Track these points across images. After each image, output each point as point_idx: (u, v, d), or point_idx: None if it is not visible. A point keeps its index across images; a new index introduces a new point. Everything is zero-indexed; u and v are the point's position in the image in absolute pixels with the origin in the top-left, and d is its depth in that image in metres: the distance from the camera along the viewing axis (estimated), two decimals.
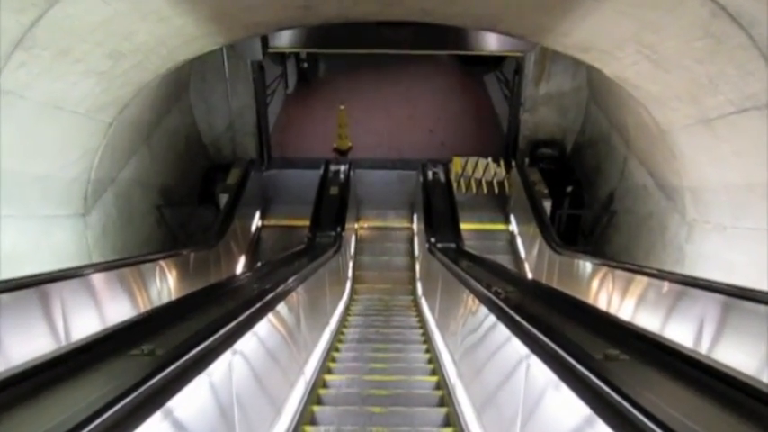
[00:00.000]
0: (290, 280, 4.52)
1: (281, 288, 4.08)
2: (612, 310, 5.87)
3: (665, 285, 5.23)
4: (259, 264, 7.59)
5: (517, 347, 2.76)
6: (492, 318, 3.48)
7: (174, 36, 6.43)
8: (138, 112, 8.48)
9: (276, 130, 13.79)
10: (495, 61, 15.61)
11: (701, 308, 4.55)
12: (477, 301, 3.99)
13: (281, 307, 4.02)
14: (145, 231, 9.15)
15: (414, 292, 9.06)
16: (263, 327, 3.34)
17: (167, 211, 9.63)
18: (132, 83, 6.86)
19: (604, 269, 6.39)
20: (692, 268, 7.40)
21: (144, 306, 5.70)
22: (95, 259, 7.62)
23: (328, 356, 5.28)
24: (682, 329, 4.73)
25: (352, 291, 9.12)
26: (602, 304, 6.14)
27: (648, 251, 8.49)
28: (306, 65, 15.95)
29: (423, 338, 6.23)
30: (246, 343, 2.87)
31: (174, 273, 6.87)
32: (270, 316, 3.53)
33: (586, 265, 6.96)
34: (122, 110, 7.29)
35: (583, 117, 11.50)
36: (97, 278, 5.32)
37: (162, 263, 6.65)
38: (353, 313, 7.88)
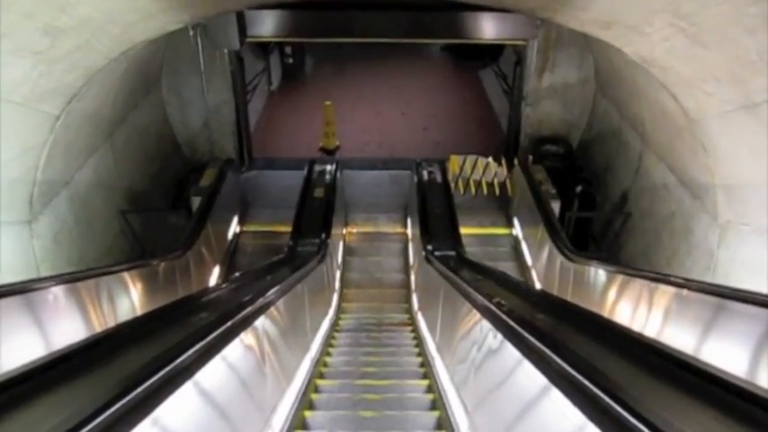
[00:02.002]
0: (257, 303, 3.59)
1: (241, 315, 3.16)
2: (648, 333, 4.95)
3: (720, 303, 4.33)
4: (224, 281, 6.62)
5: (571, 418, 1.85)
6: (531, 369, 2.49)
7: (125, 11, 5.47)
8: (96, 105, 7.51)
9: (258, 130, 12.85)
10: (491, 55, 14.81)
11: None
12: (500, 337, 3.08)
13: (241, 342, 3.08)
14: (107, 240, 8.16)
15: (409, 305, 8.10)
16: (208, 377, 2.41)
17: (133, 217, 8.63)
18: (80, 67, 5.89)
19: (632, 280, 5.45)
20: (725, 277, 6.51)
21: (81, 331, 4.71)
22: (44, 273, 6.64)
23: (305, 398, 4.31)
24: (747, 356, 3.83)
25: (340, 305, 8.15)
26: (629, 323, 5.21)
27: (671, 257, 7.58)
28: (291, 60, 15.01)
29: (422, 369, 5.24)
30: (176, 407, 1.94)
31: (129, 289, 5.88)
32: (218, 359, 2.59)
33: (608, 276, 6.02)
34: (71, 100, 6.32)
35: (590, 111, 10.61)
36: (41, 296, 4.42)
37: (114, 277, 5.67)
38: (340, 333, 6.91)
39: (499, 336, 3.21)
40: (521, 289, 4.31)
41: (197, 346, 2.38)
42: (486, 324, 3.61)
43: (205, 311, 3.24)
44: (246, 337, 3.28)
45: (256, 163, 11.59)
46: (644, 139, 8.45)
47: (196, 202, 8.56)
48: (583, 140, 10.79)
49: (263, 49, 14.33)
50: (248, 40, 9.81)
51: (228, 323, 2.92)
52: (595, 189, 9.56)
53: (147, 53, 9.02)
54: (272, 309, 4.07)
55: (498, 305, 3.50)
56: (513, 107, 11.01)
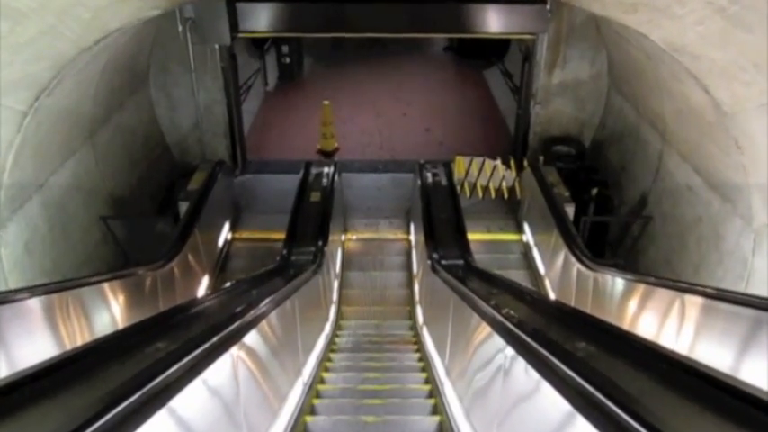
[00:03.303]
0: (238, 323, 3.02)
1: (216, 339, 2.61)
2: (686, 351, 4.34)
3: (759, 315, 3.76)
4: (210, 293, 6.01)
5: None
6: (559, 400, 2.05)
7: None
8: (73, 101, 6.95)
9: (253, 132, 12.28)
10: (496, 53, 14.25)
11: None
12: (523, 362, 2.60)
13: (214, 371, 2.51)
14: (86, 249, 7.56)
15: (413, 318, 7.48)
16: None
17: (116, 223, 8.03)
18: (46, 57, 5.31)
19: (664, 292, 4.84)
20: (761, 286, 5.91)
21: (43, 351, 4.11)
22: (13, 284, 6.06)
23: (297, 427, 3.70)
24: None
25: (338, 319, 7.52)
26: (665, 340, 4.60)
27: (698, 265, 6.98)
28: (288, 59, 14.43)
29: (429, 393, 4.63)
30: None
31: (104, 303, 5.30)
32: (184, 394, 2.04)
33: (636, 286, 5.40)
34: (40, 95, 5.74)
35: (603, 109, 10.02)
36: (6, 310, 3.91)
37: (88, 290, 5.08)
38: (338, 351, 6.29)
39: (522, 361, 2.69)
40: (545, 305, 3.70)
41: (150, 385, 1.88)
42: (506, 347, 3.06)
43: (171, 335, 2.63)
44: (222, 365, 2.71)
45: (250, 166, 10.99)
46: (665, 138, 7.86)
47: (184, 207, 7.97)
48: (596, 140, 10.20)
49: (259, 48, 13.77)
50: (240, 34, 9.24)
51: (199, 349, 2.38)
52: (611, 192, 8.94)
53: (132, 48, 8.46)
54: (258, 328, 3.49)
55: (521, 325, 2.95)
56: (522, 106, 10.42)
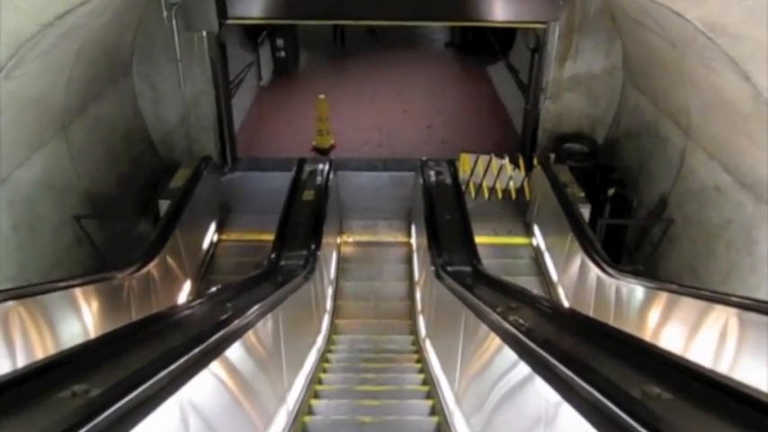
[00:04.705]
0: (206, 345, 2.43)
1: (174, 368, 2.06)
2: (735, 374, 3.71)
3: None
4: (187, 301, 5.36)
5: None
6: None
7: None
8: (42, 88, 6.32)
9: (245, 128, 11.63)
10: (501, 48, 13.64)
11: None
12: (556, 395, 2.11)
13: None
14: (57, 251, 6.92)
15: (415, 331, 6.81)
16: None
17: (92, 224, 7.38)
18: (2, 33, 4.66)
19: (705, 304, 4.21)
20: None
21: None
22: None
23: None
24: None
25: (331, 331, 6.84)
26: (713, 364, 3.97)
27: (727, 273, 6.36)
28: (283, 53, 13.79)
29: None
30: None
31: (67, 312, 4.66)
32: None
33: (666, 297, 4.77)
34: None
35: (617, 104, 9.40)
36: None
37: (47, 297, 4.45)
38: (330, 369, 5.62)
39: (555, 394, 2.18)
40: (578, 323, 3.06)
41: None
42: (537, 379, 2.47)
43: (98, 376, 1.99)
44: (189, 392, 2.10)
45: (240, 163, 10.35)
46: (688, 135, 7.24)
47: (165, 206, 7.32)
48: (609, 137, 9.57)
49: (252, 40, 13.16)
50: (229, 21, 8.59)
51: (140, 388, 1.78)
52: (629, 192, 8.31)
53: (112, 34, 7.82)
54: (232, 348, 2.86)
55: (554, 351, 2.37)
56: (530, 101, 9.79)
